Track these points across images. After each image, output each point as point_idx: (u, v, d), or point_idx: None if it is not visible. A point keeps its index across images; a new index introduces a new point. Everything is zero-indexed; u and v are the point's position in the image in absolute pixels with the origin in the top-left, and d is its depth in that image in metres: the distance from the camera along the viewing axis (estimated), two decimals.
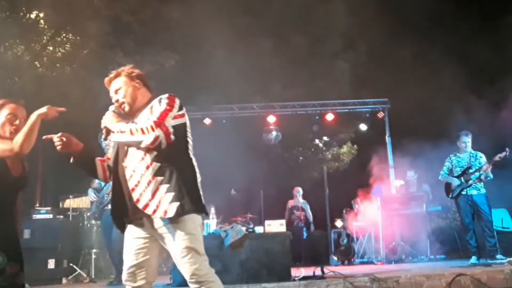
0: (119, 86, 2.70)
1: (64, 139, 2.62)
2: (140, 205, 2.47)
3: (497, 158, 6.25)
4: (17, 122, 2.78)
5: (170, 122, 2.49)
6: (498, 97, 8.60)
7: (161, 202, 2.45)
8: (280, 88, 11.49)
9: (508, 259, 5.86)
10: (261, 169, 12.37)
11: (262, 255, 5.18)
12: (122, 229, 2.66)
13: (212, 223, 5.65)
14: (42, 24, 9.58)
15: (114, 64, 9.37)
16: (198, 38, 10.85)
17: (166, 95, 2.62)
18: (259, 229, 5.65)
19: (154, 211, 2.45)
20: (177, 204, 2.44)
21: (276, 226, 5.45)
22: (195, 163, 2.66)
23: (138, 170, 2.51)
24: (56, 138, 2.62)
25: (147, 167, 2.49)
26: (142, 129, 2.44)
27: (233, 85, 10.94)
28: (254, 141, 11.56)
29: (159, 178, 2.48)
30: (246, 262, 5.13)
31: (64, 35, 9.90)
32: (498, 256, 6.01)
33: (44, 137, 2.67)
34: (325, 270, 5.37)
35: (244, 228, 5.46)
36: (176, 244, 2.46)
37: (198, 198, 2.57)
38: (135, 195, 2.49)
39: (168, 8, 9.95)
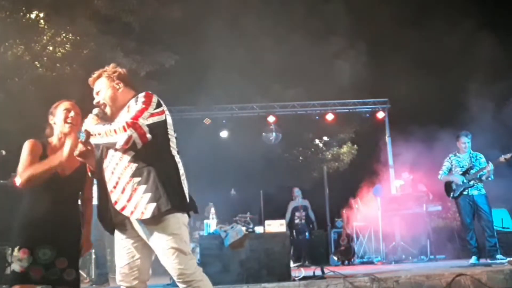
0: (100, 88, 2.70)
1: (89, 147, 2.57)
2: (118, 207, 2.45)
3: (502, 159, 6.22)
4: (71, 114, 2.90)
5: (144, 121, 2.43)
6: (500, 97, 8.60)
7: (138, 203, 2.41)
8: (280, 88, 11.49)
9: (508, 259, 5.86)
10: (261, 169, 12.37)
11: (262, 255, 5.18)
12: (111, 231, 2.64)
13: (212, 223, 5.65)
14: (42, 24, 9.56)
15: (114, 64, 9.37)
16: (198, 38, 10.86)
17: (143, 93, 2.58)
18: (259, 229, 5.65)
19: (131, 213, 2.42)
20: (153, 205, 2.39)
21: (276, 226, 5.45)
22: (178, 160, 2.61)
23: (116, 172, 2.48)
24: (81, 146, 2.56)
25: (125, 168, 2.46)
26: (115, 130, 2.40)
27: (233, 85, 10.94)
28: (254, 141, 11.56)
29: (137, 179, 2.44)
30: (246, 262, 5.13)
31: (64, 35, 9.88)
32: (498, 256, 6.01)
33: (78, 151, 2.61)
34: (325, 270, 5.38)
35: (244, 228, 5.46)
36: (160, 245, 2.43)
37: (179, 196, 2.51)
38: (113, 197, 2.47)
39: (168, 8, 9.94)
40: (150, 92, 2.61)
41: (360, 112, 11.03)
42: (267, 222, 5.56)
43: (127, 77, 2.76)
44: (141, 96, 2.55)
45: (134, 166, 2.46)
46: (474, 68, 9.80)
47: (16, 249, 2.70)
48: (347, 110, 11.02)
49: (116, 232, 2.63)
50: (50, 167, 2.73)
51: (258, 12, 10.64)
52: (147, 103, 2.50)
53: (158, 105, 2.54)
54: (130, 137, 2.38)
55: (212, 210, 6.43)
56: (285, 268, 5.15)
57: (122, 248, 2.58)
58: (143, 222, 2.43)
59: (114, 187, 2.48)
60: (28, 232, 2.75)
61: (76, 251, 2.87)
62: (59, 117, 2.90)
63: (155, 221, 2.41)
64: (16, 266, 2.68)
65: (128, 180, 2.45)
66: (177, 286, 2.51)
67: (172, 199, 2.43)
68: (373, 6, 10.90)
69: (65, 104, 2.95)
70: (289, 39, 11.36)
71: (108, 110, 2.65)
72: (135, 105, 2.51)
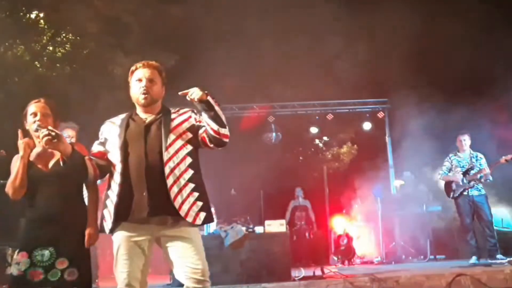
0: (155, 79, 2.79)
1: (53, 133, 2.47)
2: (177, 205, 2.53)
3: (502, 160, 6.22)
4: (37, 117, 2.82)
5: None
6: (500, 97, 8.59)
7: (192, 207, 2.57)
8: (280, 88, 11.48)
9: (508, 259, 5.86)
10: (261, 169, 12.35)
11: (262, 255, 5.19)
12: (112, 230, 2.60)
13: (212, 223, 5.65)
14: (42, 24, 9.57)
15: (114, 64, 9.38)
16: (198, 38, 10.85)
17: (194, 110, 2.82)
18: (259, 229, 5.65)
19: (186, 215, 2.54)
20: (204, 214, 2.62)
21: (276, 226, 5.46)
22: None
23: (177, 171, 2.57)
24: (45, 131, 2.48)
25: (185, 171, 2.60)
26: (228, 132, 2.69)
27: (233, 85, 10.93)
28: (254, 141, 11.55)
29: (192, 185, 2.60)
30: (246, 262, 5.14)
31: (64, 35, 9.89)
32: (498, 256, 6.02)
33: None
34: (325, 270, 5.38)
35: (244, 228, 5.46)
36: (192, 243, 2.56)
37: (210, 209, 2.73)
38: (172, 193, 2.53)
39: (168, 8, 9.95)
40: None
41: (360, 112, 11.03)
42: (267, 222, 5.57)
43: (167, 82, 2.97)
44: (196, 112, 2.80)
45: (191, 172, 2.62)
46: (474, 67, 9.79)
47: (16, 252, 2.69)
48: (347, 110, 11.02)
49: (124, 234, 2.57)
50: (21, 163, 2.70)
51: (258, 11, 10.64)
52: None
53: None
54: (226, 143, 2.72)
55: (212, 210, 6.42)
56: (285, 268, 5.15)
57: (134, 252, 2.56)
58: (190, 224, 2.57)
59: (172, 185, 2.55)
60: (25, 234, 2.73)
61: (78, 249, 2.74)
62: (29, 122, 2.85)
63: (197, 225, 2.60)
64: (14, 270, 2.65)
65: (186, 183, 2.58)
66: (177, 286, 2.53)
67: (211, 211, 2.70)
68: (373, 5, 10.90)
69: (31, 108, 2.86)
70: (289, 39, 11.36)
71: (148, 99, 2.73)
72: (200, 117, 2.74)
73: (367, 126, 10.83)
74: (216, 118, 2.60)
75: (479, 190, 6.35)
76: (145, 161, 2.56)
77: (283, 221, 5.62)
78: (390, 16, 10.13)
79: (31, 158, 2.80)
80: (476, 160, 6.47)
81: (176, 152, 2.60)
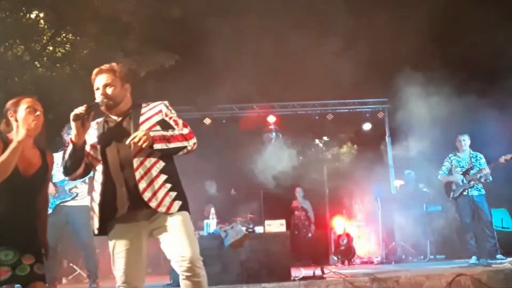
0: (111, 84, 2.75)
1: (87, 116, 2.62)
2: (146, 197, 2.55)
3: (502, 159, 6.22)
4: (37, 113, 2.82)
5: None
6: (501, 96, 8.58)
7: (165, 198, 2.59)
8: (280, 88, 11.48)
9: (509, 259, 5.86)
10: (261, 169, 12.35)
11: (262, 255, 5.19)
12: (101, 231, 2.66)
13: (212, 223, 5.65)
14: (42, 24, 9.57)
15: None
16: (198, 38, 10.85)
17: (166, 102, 2.82)
18: (259, 229, 5.65)
19: (158, 206, 2.56)
20: (179, 203, 2.62)
21: (276, 226, 5.46)
22: None
23: (146, 164, 2.60)
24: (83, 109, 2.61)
25: (155, 163, 2.62)
26: (184, 136, 2.66)
27: (233, 85, 10.93)
28: (254, 141, 11.55)
29: (164, 176, 2.62)
30: (246, 262, 5.13)
31: (64, 35, 9.89)
32: (498, 256, 6.02)
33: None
34: (325, 270, 5.37)
35: (244, 228, 5.46)
36: (177, 232, 2.55)
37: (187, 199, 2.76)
38: (141, 186, 2.56)
39: (168, 8, 9.94)
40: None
41: (360, 112, 11.03)
42: (267, 222, 5.56)
43: (132, 78, 2.94)
44: (168, 104, 2.81)
45: (162, 163, 2.64)
46: (474, 67, 9.79)
47: None
48: (347, 110, 11.02)
49: (118, 232, 2.63)
50: (12, 151, 2.63)
51: (258, 11, 10.64)
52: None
53: None
54: (195, 143, 2.72)
55: (212, 210, 6.42)
56: (285, 268, 5.15)
57: (126, 249, 2.60)
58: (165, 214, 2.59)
59: (142, 178, 2.58)
60: None
61: (39, 249, 2.81)
62: (21, 115, 2.78)
63: (177, 213, 2.60)
64: None
65: (157, 175, 2.60)
66: (177, 286, 2.52)
67: (187, 201, 2.72)
68: (374, 5, 10.90)
69: (28, 101, 2.84)
70: (289, 39, 11.36)
71: (110, 105, 2.73)
72: (171, 112, 2.78)
73: (367, 126, 10.83)
74: (173, 152, 2.68)
75: (479, 190, 6.35)
76: (118, 157, 2.62)
77: (283, 221, 5.61)
78: (390, 16, 10.13)
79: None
80: (476, 160, 6.47)
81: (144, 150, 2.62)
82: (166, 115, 2.74)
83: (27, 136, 2.70)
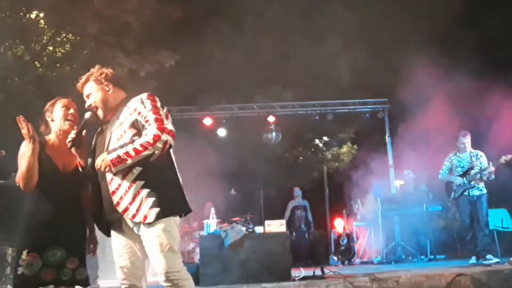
0: (90, 92, 2.73)
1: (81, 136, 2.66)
2: (120, 209, 2.48)
3: (502, 160, 6.18)
4: (71, 111, 2.89)
5: (168, 123, 2.50)
6: (501, 97, 8.57)
7: (141, 207, 2.45)
8: (280, 88, 11.49)
9: (496, 259, 5.85)
10: (261, 169, 12.37)
11: (262, 255, 5.18)
12: (106, 232, 2.69)
13: (212, 223, 5.65)
14: (42, 24, 9.58)
15: (114, 64, 9.37)
16: (198, 38, 10.85)
17: (146, 95, 2.59)
18: (259, 229, 5.65)
19: (134, 216, 2.46)
20: (157, 210, 2.44)
21: (276, 226, 5.45)
22: (175, 162, 2.67)
23: (119, 173, 2.48)
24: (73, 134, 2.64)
25: (129, 171, 2.47)
26: (145, 144, 2.40)
27: (233, 85, 10.93)
28: (254, 141, 11.56)
29: (140, 182, 2.47)
30: (246, 262, 5.12)
31: (64, 35, 9.91)
32: (488, 256, 6.00)
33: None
34: (325, 270, 5.37)
35: (244, 228, 5.46)
36: (151, 242, 2.46)
37: (178, 198, 2.61)
38: (115, 198, 2.49)
39: (168, 8, 9.95)
40: (150, 93, 2.63)
41: (360, 112, 11.04)
42: (267, 222, 5.56)
43: (115, 77, 2.79)
44: (146, 99, 2.57)
45: (138, 169, 2.48)
46: (475, 66, 9.79)
47: (24, 252, 2.67)
48: (347, 110, 11.02)
49: (113, 232, 2.66)
50: (29, 156, 2.67)
51: (258, 11, 10.64)
52: (157, 105, 2.55)
53: (162, 105, 2.59)
54: (166, 142, 2.43)
55: (212, 210, 6.42)
56: (285, 268, 5.15)
57: (122, 248, 2.61)
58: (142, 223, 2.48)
59: (117, 189, 2.50)
60: (34, 233, 2.72)
61: (84, 250, 2.87)
62: (57, 115, 2.89)
63: (154, 222, 2.45)
64: (27, 271, 2.64)
65: (131, 183, 2.47)
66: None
67: (172, 203, 2.53)
68: (374, 5, 10.90)
69: (63, 101, 2.93)
70: (289, 39, 11.37)
71: (100, 112, 2.71)
72: (144, 108, 2.52)
73: (367, 126, 10.83)
74: (139, 161, 2.45)
75: (480, 190, 6.32)
76: (95, 167, 2.56)
77: (283, 221, 5.61)
78: (389, 15, 10.13)
79: (47, 150, 2.82)
80: (477, 159, 6.44)
81: None
82: (139, 113, 2.53)
83: (37, 139, 2.71)
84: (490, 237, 6.44)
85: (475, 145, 6.61)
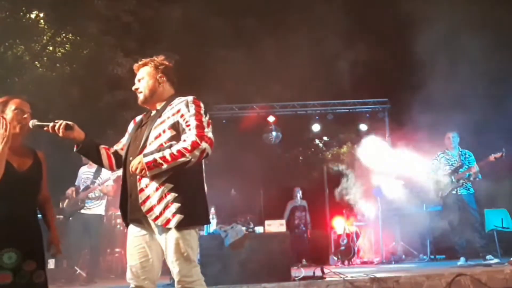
0: (142, 76, 2.72)
1: (64, 123, 2.60)
2: (145, 208, 2.46)
3: (491, 157, 6.15)
4: (25, 116, 2.73)
5: (209, 131, 2.48)
6: (499, 96, 8.57)
7: (165, 210, 2.43)
8: (280, 88, 11.49)
9: (496, 260, 5.85)
10: (261, 169, 12.36)
11: (262, 255, 5.18)
12: (126, 226, 2.70)
13: (212, 223, 5.65)
14: (42, 24, 9.58)
15: (114, 64, 9.39)
16: (198, 38, 10.85)
17: (192, 99, 2.58)
18: (259, 229, 5.65)
19: (157, 218, 2.44)
20: (180, 217, 2.42)
21: (276, 226, 5.45)
22: (204, 171, 2.65)
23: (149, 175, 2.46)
24: (57, 125, 2.60)
25: (161, 172, 2.43)
26: (183, 151, 2.38)
27: (233, 85, 10.93)
28: (254, 141, 11.56)
29: (169, 185, 2.45)
30: (246, 262, 5.12)
31: (64, 35, 9.90)
32: (488, 256, 5.98)
33: (45, 128, 2.64)
34: (325, 270, 5.37)
35: (244, 228, 5.46)
36: (169, 248, 2.45)
37: (202, 209, 2.58)
38: (142, 196, 2.48)
39: (168, 8, 9.96)
40: (196, 97, 2.62)
41: (360, 112, 11.04)
42: (267, 222, 5.56)
43: (172, 71, 2.78)
44: (192, 103, 2.55)
45: (167, 173, 2.44)
46: (474, 65, 9.79)
47: None
48: (347, 110, 11.02)
49: (130, 230, 2.63)
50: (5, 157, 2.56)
51: (258, 11, 10.65)
52: (201, 111, 2.54)
53: (205, 112, 2.58)
54: (204, 150, 2.41)
55: (212, 210, 6.42)
56: (285, 268, 5.15)
57: (134, 247, 2.59)
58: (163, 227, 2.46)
59: (146, 187, 2.48)
60: None
61: (42, 252, 2.73)
62: (9, 116, 2.69)
63: (174, 229, 2.44)
64: None
65: (160, 184, 2.45)
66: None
67: (196, 213, 2.50)
68: (374, 5, 10.91)
69: (16, 102, 2.74)
70: (289, 39, 11.36)
71: (141, 98, 2.70)
72: (188, 112, 2.51)
73: (367, 126, 10.83)
74: (175, 167, 2.42)
75: (468, 189, 6.28)
76: (129, 162, 2.54)
77: (283, 221, 5.61)
78: (389, 15, 10.13)
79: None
80: (465, 158, 6.40)
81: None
82: (182, 116, 2.51)
83: (10, 140, 2.57)
84: (488, 237, 6.42)
85: (463, 144, 6.58)
